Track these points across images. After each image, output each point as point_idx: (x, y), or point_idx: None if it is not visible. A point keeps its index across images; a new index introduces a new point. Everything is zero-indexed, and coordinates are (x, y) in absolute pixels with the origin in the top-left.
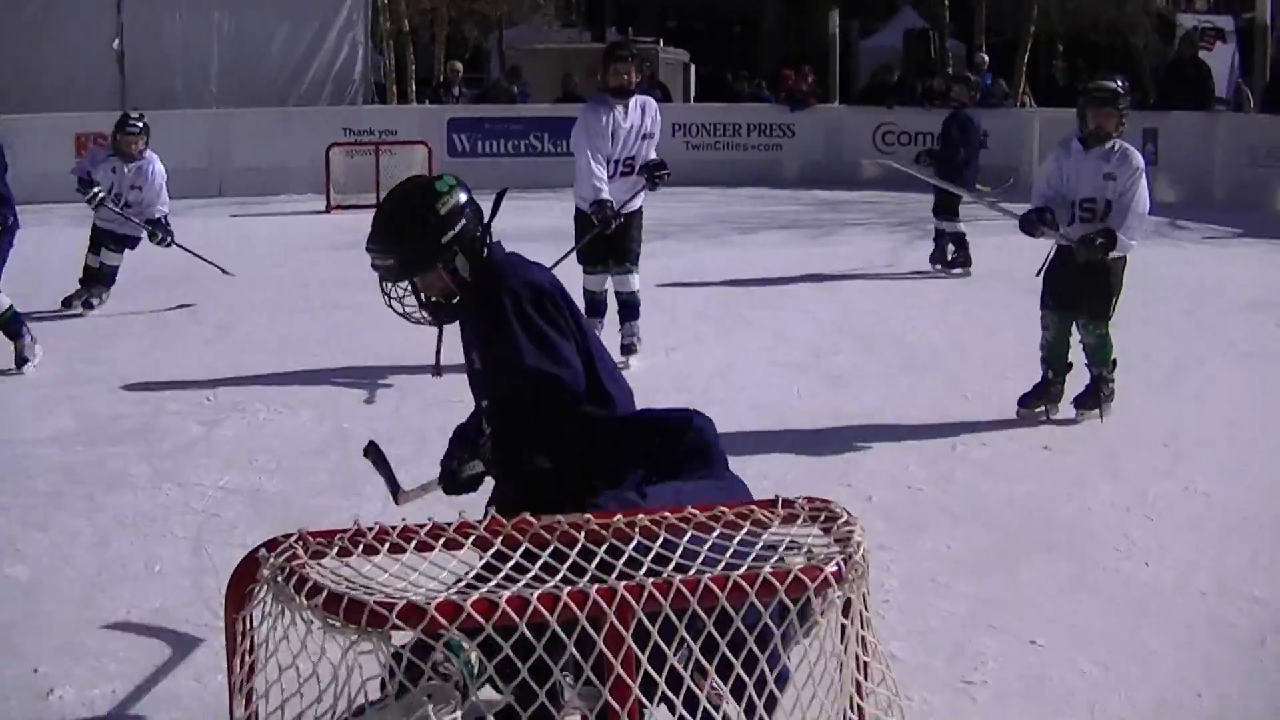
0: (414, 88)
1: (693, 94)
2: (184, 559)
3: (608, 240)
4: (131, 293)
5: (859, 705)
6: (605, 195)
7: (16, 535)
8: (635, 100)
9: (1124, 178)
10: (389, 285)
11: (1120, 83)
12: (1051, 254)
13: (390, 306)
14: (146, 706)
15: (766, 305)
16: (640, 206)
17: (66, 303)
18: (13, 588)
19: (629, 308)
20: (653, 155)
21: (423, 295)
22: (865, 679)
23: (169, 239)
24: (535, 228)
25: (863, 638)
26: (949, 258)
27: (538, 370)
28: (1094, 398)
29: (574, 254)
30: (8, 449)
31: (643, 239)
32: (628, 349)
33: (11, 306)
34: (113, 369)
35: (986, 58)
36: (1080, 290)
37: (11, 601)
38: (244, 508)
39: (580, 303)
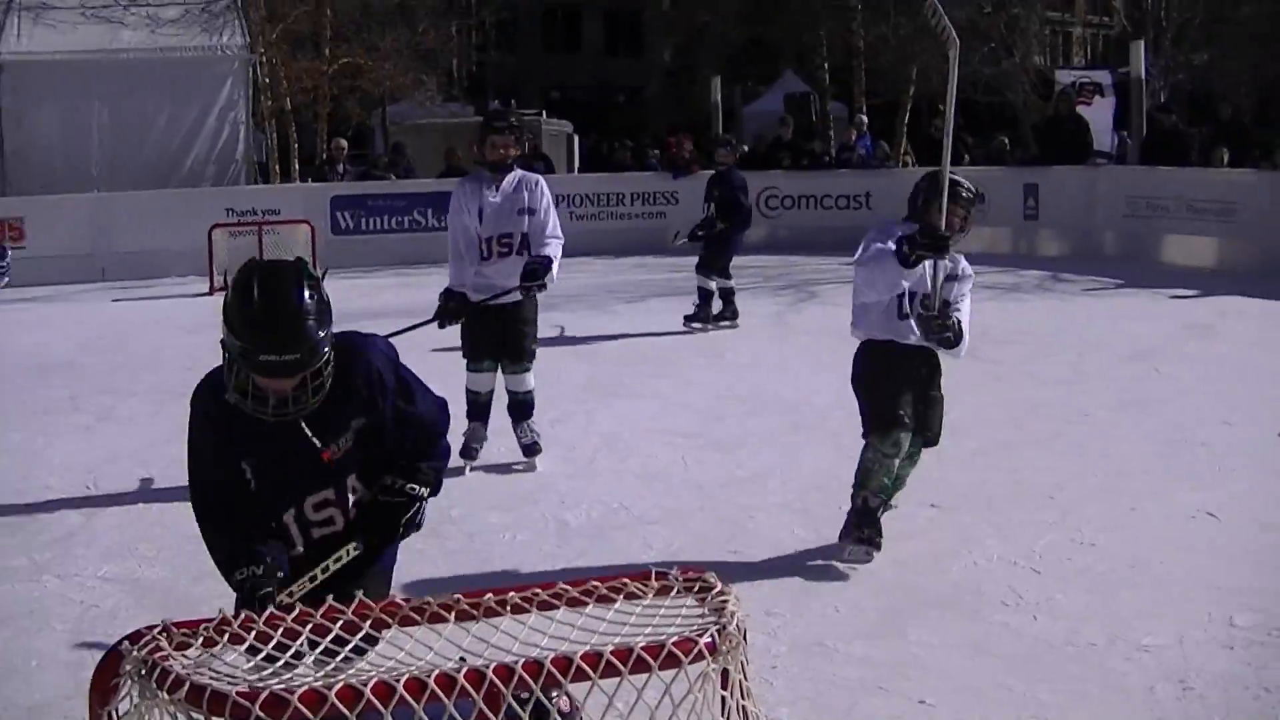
0: (298, 166)
1: (577, 165)
2: (63, 652)
3: (496, 335)
4: (9, 378)
5: None
6: (455, 284)
7: None
8: (514, 175)
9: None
10: (309, 384)
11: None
12: None
13: (307, 407)
14: None
15: (653, 374)
16: (527, 297)
17: None
18: None
19: (522, 407)
20: (547, 235)
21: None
22: None
23: None
24: (419, 303)
25: (744, 708)
26: (712, 315)
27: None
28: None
29: (460, 347)
30: None
31: (537, 330)
32: (530, 449)
33: None
34: None
35: (866, 119)
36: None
37: None
38: (124, 596)
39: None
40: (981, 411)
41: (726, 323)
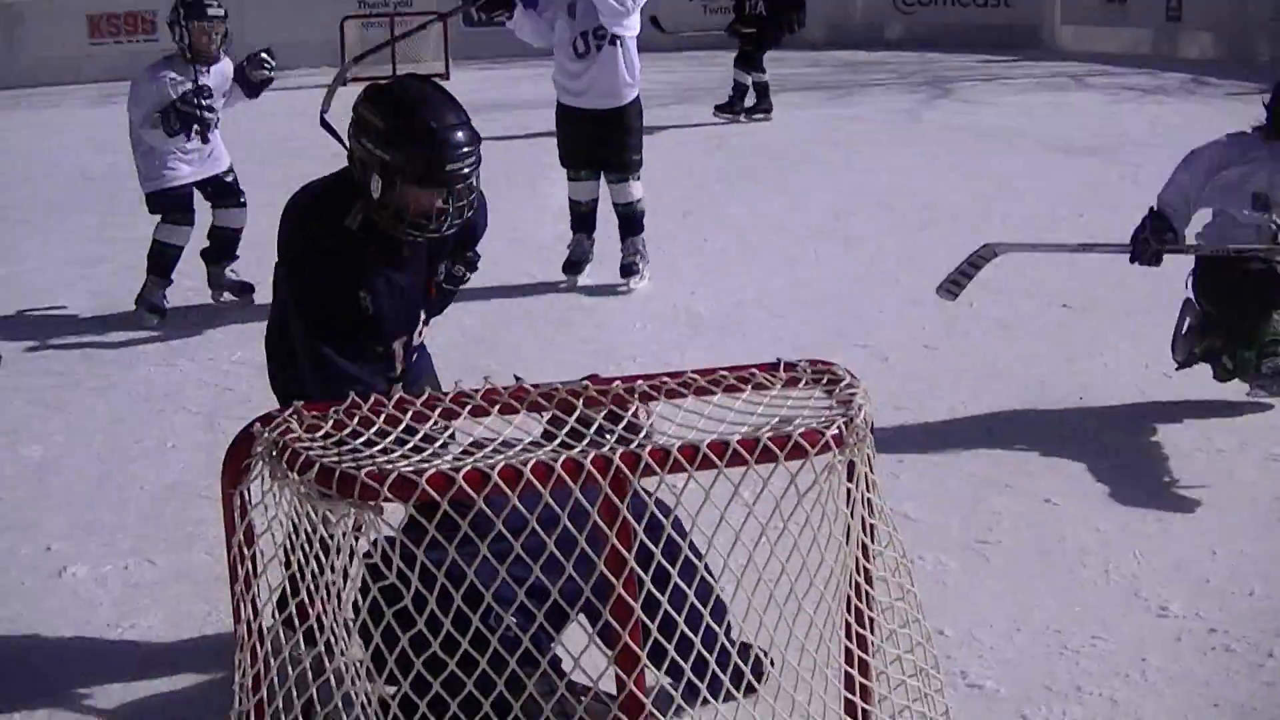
0: None
1: None
2: (198, 435)
3: (596, 141)
4: None
5: (865, 568)
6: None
7: (31, 415)
8: None
9: None
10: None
11: None
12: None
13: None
14: (158, 581)
15: (785, 169)
16: (631, 101)
17: None
18: (27, 467)
19: (628, 221)
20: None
21: None
22: (871, 541)
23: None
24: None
25: (868, 500)
26: (744, 106)
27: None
28: None
29: (559, 156)
30: (21, 330)
31: (643, 138)
32: (627, 269)
33: None
34: (126, 249)
35: None
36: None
37: (25, 481)
38: (256, 380)
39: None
40: (1119, 215)
41: (760, 115)
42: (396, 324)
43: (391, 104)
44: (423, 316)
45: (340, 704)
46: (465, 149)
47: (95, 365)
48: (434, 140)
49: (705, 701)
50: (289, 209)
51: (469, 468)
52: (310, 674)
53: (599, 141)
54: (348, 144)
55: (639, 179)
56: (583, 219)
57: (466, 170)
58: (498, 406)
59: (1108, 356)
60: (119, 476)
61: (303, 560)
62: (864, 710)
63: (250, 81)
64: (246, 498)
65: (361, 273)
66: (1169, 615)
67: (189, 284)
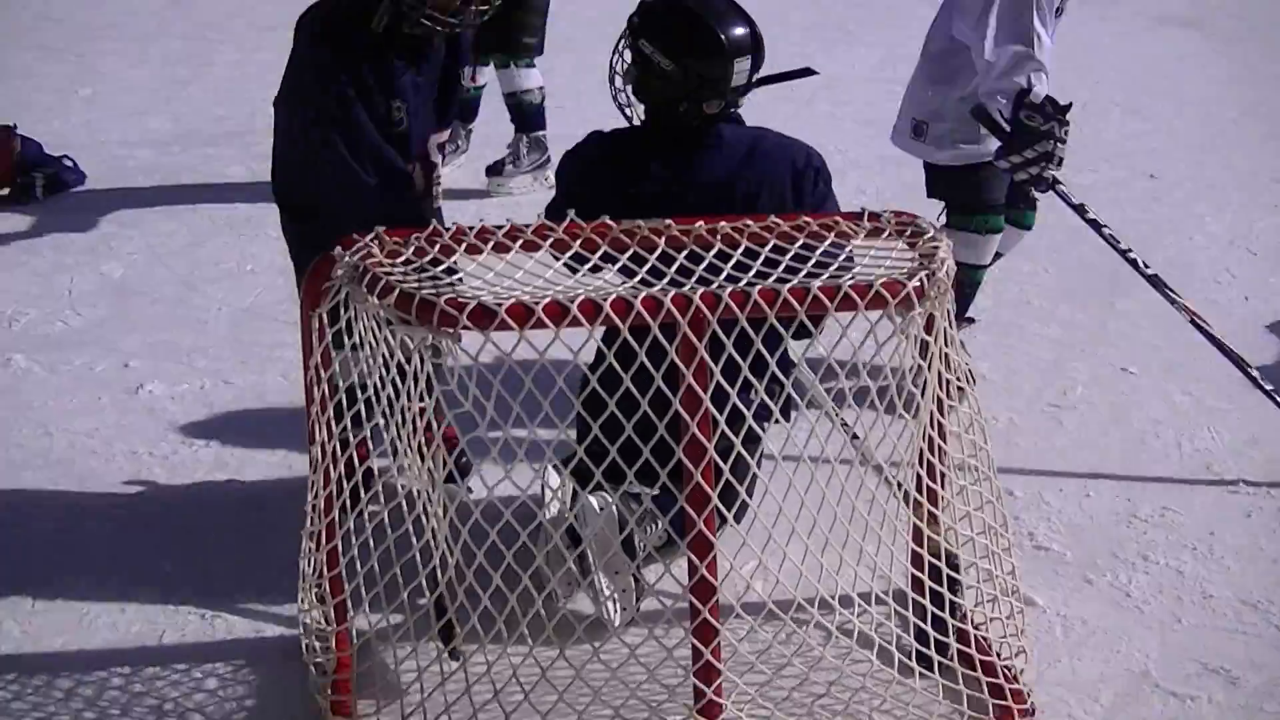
0: None
1: None
2: (278, 259)
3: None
4: None
5: (940, 422)
6: None
7: (111, 234)
8: None
9: None
10: None
11: None
12: None
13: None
14: (234, 401)
15: (878, 22)
16: None
17: None
18: (107, 285)
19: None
20: None
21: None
22: (947, 397)
23: None
24: None
25: (946, 355)
26: None
27: None
28: None
29: None
30: (105, 151)
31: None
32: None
33: None
34: (211, 72)
35: None
36: None
37: (105, 299)
38: None
39: None
40: (1205, 91)
41: None
42: (421, 133)
43: None
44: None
45: (410, 527)
46: None
47: (176, 188)
48: None
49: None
50: (305, 21)
51: (548, 300)
52: (384, 497)
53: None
54: None
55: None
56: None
57: None
58: (580, 241)
59: (1193, 230)
60: (198, 298)
61: (378, 385)
62: (931, 565)
63: None
64: (325, 321)
65: (393, 79)
66: (1240, 491)
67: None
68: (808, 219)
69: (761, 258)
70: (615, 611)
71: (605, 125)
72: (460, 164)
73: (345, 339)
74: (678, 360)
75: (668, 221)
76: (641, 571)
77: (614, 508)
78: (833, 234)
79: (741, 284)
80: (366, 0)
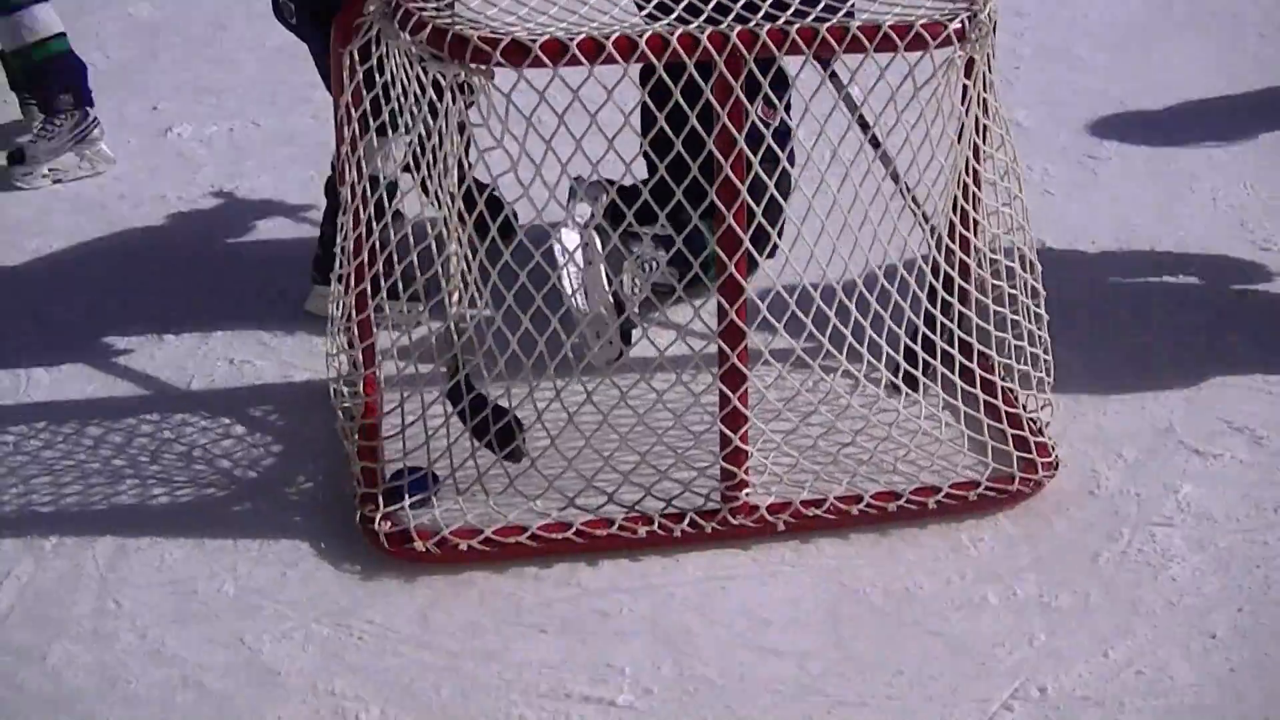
0: None
1: None
2: None
3: None
4: None
5: (975, 169)
6: None
7: None
8: None
9: None
10: None
11: None
12: None
13: None
14: (263, 142)
15: None
16: None
17: None
18: (135, 25)
19: None
20: None
21: None
22: (984, 143)
23: None
24: None
25: (984, 100)
26: None
27: None
28: None
29: None
30: None
31: None
32: None
33: None
34: None
35: None
36: None
37: (134, 39)
38: None
39: None
40: None
41: None
42: None
43: None
44: None
45: (440, 269)
46: None
47: None
48: None
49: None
50: None
51: (584, 36)
52: (413, 237)
53: None
54: None
55: None
56: None
57: None
58: None
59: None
60: (227, 40)
61: (409, 123)
62: (961, 314)
63: None
64: (355, 58)
65: None
66: (1274, 249)
67: None
68: None
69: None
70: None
71: None
72: None
73: (376, 77)
74: (713, 100)
75: None
76: (637, 312)
77: (595, 239)
78: None
79: (779, 23)
80: None
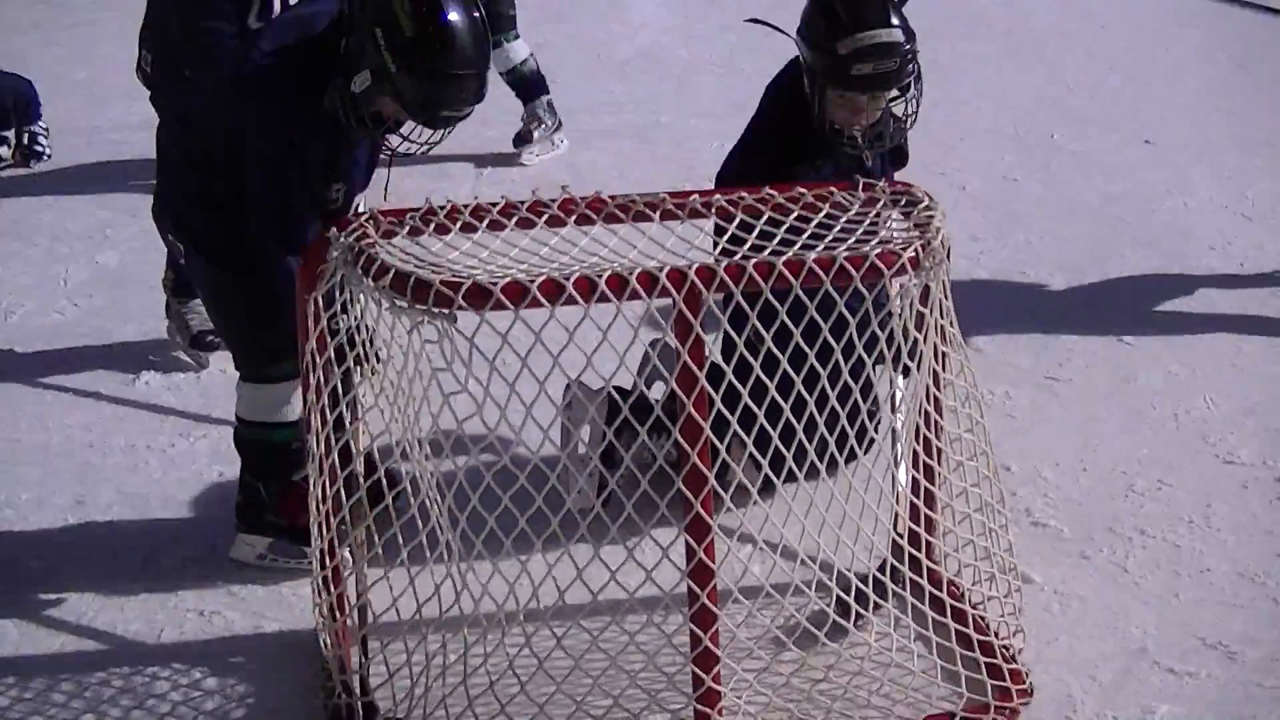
0: None
1: None
2: None
3: None
4: None
5: (935, 396)
6: None
7: (107, 222)
8: None
9: None
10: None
11: None
12: None
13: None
14: (230, 390)
15: None
16: None
17: None
18: (104, 273)
19: (521, 86)
20: None
21: None
22: (943, 369)
23: None
24: None
25: (941, 327)
26: None
27: None
28: None
29: None
30: (99, 136)
31: None
32: (520, 138)
33: None
34: None
35: None
36: None
37: (102, 287)
38: None
39: None
40: (1201, 50)
41: None
42: (351, 203)
43: (431, 15)
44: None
45: (417, 513)
46: (471, 103)
47: None
48: (448, 83)
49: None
50: (255, 85)
51: (544, 278)
52: (386, 483)
53: None
54: (349, 8)
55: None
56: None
57: (460, 118)
58: (573, 217)
59: (1188, 196)
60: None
61: (376, 368)
62: (928, 542)
63: None
64: (320, 304)
65: (337, 162)
66: (1237, 462)
67: None
68: (803, 189)
69: (756, 231)
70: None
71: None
72: (560, 144)
73: (341, 323)
74: (671, 338)
75: (662, 195)
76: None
77: (609, 392)
78: (828, 204)
79: (737, 257)
80: (316, 69)
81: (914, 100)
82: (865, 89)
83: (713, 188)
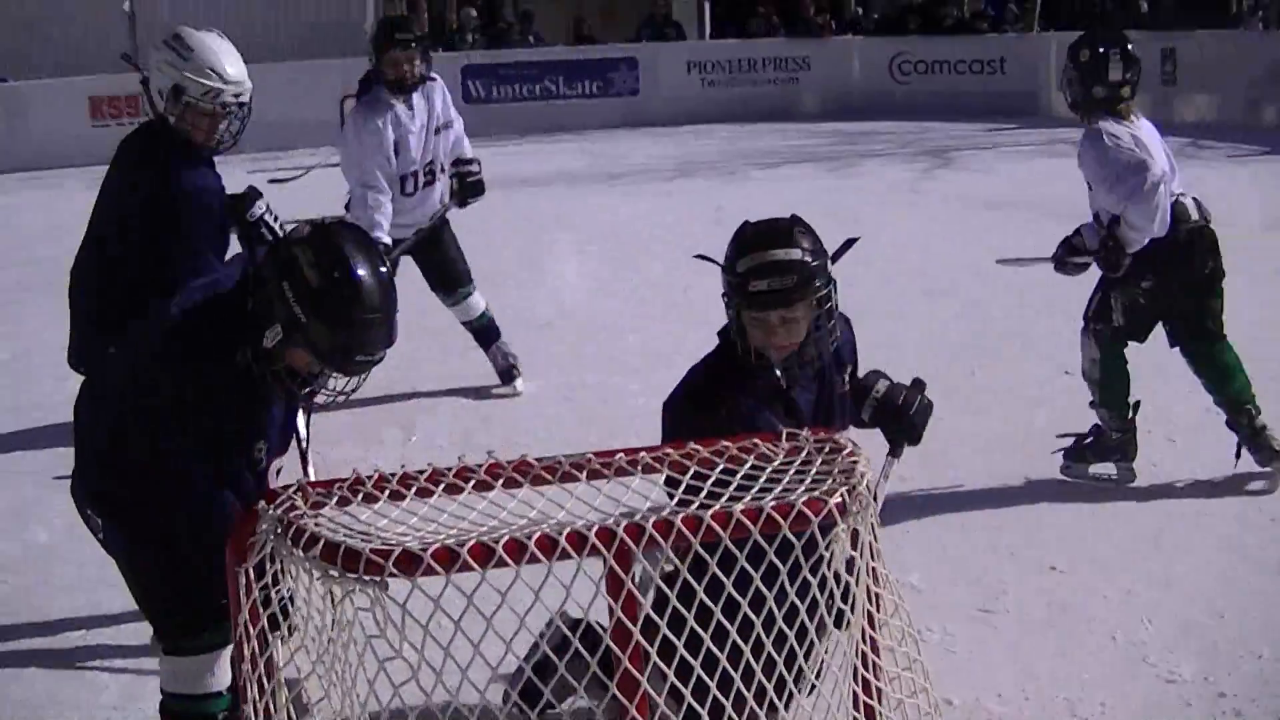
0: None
1: (708, 30)
2: None
3: (425, 266)
4: None
5: (871, 638)
6: (384, 236)
7: (36, 499)
8: (422, 90)
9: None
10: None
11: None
12: None
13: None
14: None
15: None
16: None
17: None
18: (33, 551)
19: (484, 332)
20: (464, 149)
21: None
22: (878, 611)
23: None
24: (548, 172)
25: (873, 569)
26: None
27: None
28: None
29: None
30: (25, 415)
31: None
32: (507, 375)
33: None
34: None
35: None
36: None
37: (32, 565)
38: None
39: None
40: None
41: None
42: (269, 464)
43: (335, 265)
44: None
45: None
46: (382, 346)
47: None
48: (359, 327)
49: None
50: (166, 348)
51: (473, 542)
52: None
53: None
54: (253, 270)
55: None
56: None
57: (373, 363)
58: (501, 480)
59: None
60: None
61: (310, 636)
62: None
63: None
64: (251, 575)
65: (255, 419)
66: (1178, 680)
67: None
68: (727, 443)
69: (683, 485)
70: None
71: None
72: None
73: (272, 594)
74: (605, 595)
75: (588, 455)
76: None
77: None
78: (753, 456)
79: (665, 512)
80: (227, 321)
81: (830, 323)
82: (763, 306)
83: (655, 443)
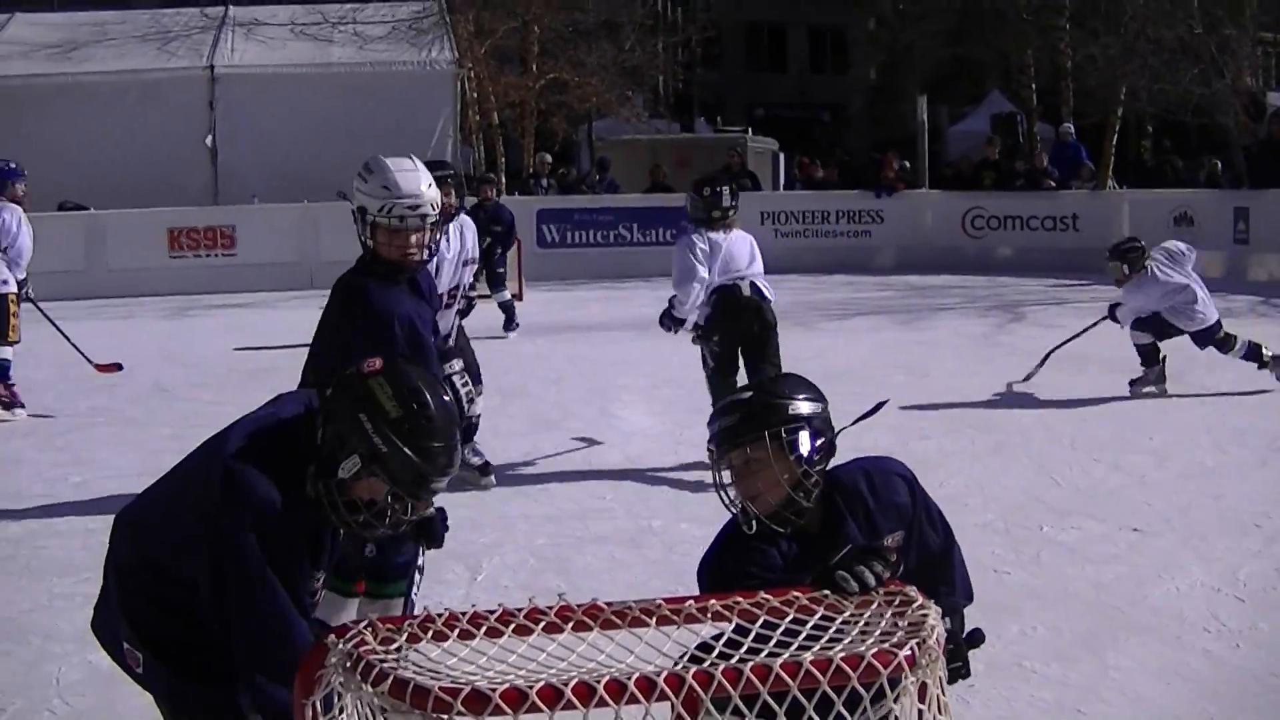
0: (504, 180)
1: (782, 182)
2: None
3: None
4: (220, 384)
5: None
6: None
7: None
8: (455, 224)
9: None
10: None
11: None
12: None
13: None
14: None
15: (856, 392)
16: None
17: None
18: (95, 675)
19: (465, 431)
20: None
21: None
22: None
23: None
24: (624, 317)
25: None
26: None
27: None
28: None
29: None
30: (94, 538)
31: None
32: (484, 469)
33: None
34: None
35: (1071, 127)
36: None
37: (93, 688)
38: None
39: None
40: (1186, 436)
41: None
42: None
43: (412, 396)
44: None
45: None
46: (451, 470)
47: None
48: (435, 455)
49: None
50: (240, 476)
51: (543, 684)
52: None
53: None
54: (324, 403)
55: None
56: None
57: (441, 488)
58: (570, 624)
59: (1178, 579)
60: None
61: None
62: None
63: None
64: (319, 709)
65: (322, 550)
66: None
67: None
68: (797, 593)
69: (752, 634)
70: None
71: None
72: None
73: None
74: None
75: (659, 600)
76: None
77: None
78: (823, 606)
79: (734, 661)
80: (296, 454)
81: (808, 467)
82: (715, 444)
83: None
